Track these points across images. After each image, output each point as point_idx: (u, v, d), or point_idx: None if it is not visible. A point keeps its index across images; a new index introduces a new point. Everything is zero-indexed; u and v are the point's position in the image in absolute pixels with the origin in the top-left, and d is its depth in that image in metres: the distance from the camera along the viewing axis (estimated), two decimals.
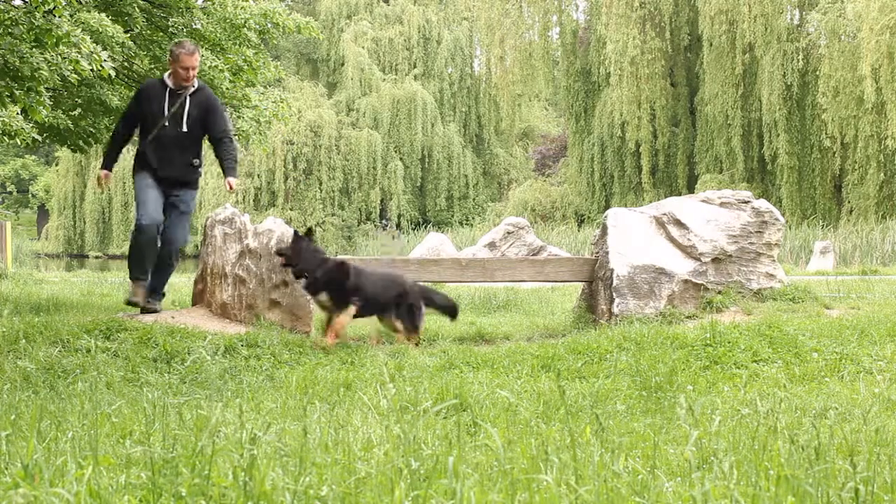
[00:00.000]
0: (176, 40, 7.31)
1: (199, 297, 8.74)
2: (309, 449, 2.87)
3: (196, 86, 7.31)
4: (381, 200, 44.01)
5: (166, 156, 7.25)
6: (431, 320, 9.07)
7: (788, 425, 3.85)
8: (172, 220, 7.43)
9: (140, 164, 7.36)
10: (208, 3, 9.62)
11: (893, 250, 24.05)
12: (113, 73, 7.43)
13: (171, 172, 7.32)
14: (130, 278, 7.57)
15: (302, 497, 2.47)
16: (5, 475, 2.61)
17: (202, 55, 9.56)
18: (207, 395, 5.47)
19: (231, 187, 7.39)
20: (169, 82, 7.26)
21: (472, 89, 46.51)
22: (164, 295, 7.84)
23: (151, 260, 7.32)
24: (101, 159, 7.46)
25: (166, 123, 7.21)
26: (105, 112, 10.46)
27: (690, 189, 32.96)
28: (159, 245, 7.35)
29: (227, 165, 7.45)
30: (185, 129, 7.25)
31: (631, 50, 33.57)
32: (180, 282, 15.28)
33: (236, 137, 11.01)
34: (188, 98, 7.24)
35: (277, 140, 39.83)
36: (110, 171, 7.49)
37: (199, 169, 7.62)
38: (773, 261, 8.85)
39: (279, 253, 7.60)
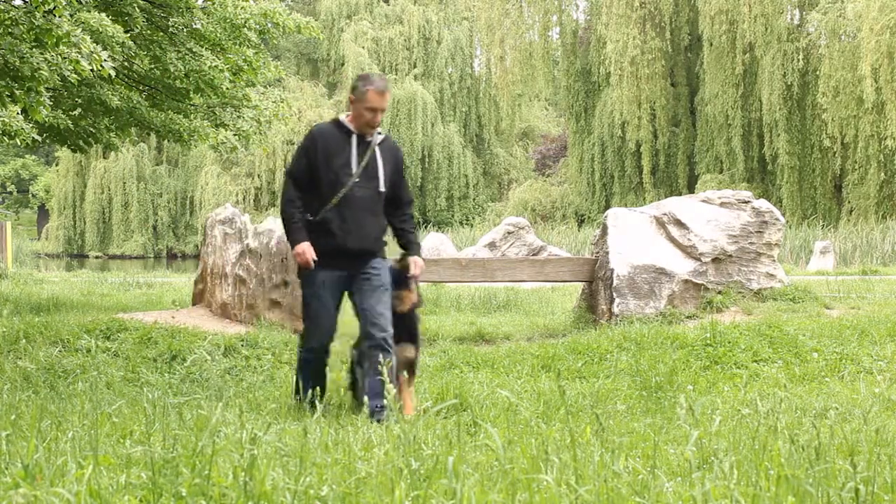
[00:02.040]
0: (362, 73, 5.41)
1: (200, 297, 8.75)
2: (309, 449, 2.87)
3: (381, 133, 5.52)
4: None
5: (358, 223, 5.36)
6: (431, 320, 9.07)
7: (789, 425, 3.85)
8: (373, 300, 5.35)
9: (315, 243, 5.36)
10: (208, 3, 9.61)
11: (894, 250, 24.03)
12: (113, 73, 7.40)
13: (363, 244, 5.38)
14: (295, 395, 5.50)
15: (302, 497, 2.47)
16: (6, 475, 2.61)
17: (204, 56, 9.54)
18: (208, 395, 5.47)
19: (418, 268, 5.57)
20: (351, 126, 5.42)
21: (472, 89, 46.51)
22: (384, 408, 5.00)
23: (323, 381, 5.40)
24: (290, 235, 5.44)
25: (357, 180, 5.34)
26: (105, 112, 10.46)
27: (691, 189, 32.94)
28: (365, 342, 5.36)
29: (413, 239, 5.67)
30: (381, 188, 5.41)
31: (631, 50, 33.56)
32: (180, 282, 15.29)
33: (237, 138, 11.00)
34: (377, 147, 5.43)
35: (278, 140, 39.85)
36: (308, 241, 5.39)
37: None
38: (774, 261, 8.86)
39: (404, 278, 5.57)
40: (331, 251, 5.32)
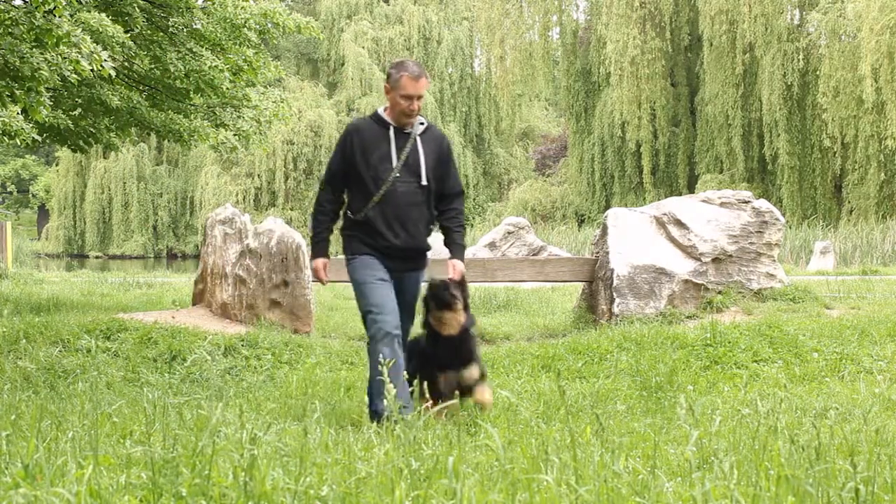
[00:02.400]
0: (396, 60, 5.09)
1: (200, 297, 8.75)
2: (309, 449, 2.87)
3: (424, 122, 5.20)
4: None
5: (402, 222, 5.06)
6: None
7: (789, 425, 3.85)
8: (401, 313, 5.08)
9: (361, 240, 5.10)
10: (208, 3, 9.62)
11: (894, 250, 24.02)
12: (113, 73, 7.41)
13: (411, 241, 5.10)
14: (372, 418, 4.82)
15: (302, 497, 2.47)
16: (6, 475, 2.61)
17: (204, 56, 9.53)
18: (208, 395, 5.47)
19: (456, 273, 5.16)
20: (388, 118, 5.11)
21: (472, 89, 46.52)
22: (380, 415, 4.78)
23: (401, 380, 4.69)
24: (311, 246, 5.27)
25: (397, 175, 5.03)
26: (105, 112, 10.46)
27: (691, 189, 32.94)
28: None
29: (456, 240, 5.28)
30: (423, 181, 5.08)
31: (631, 50, 33.55)
32: (180, 282, 15.29)
33: (237, 138, 10.98)
34: (418, 139, 5.12)
35: (278, 140, 39.85)
36: (328, 257, 5.27)
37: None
38: (774, 261, 8.86)
39: (444, 298, 5.02)
40: (376, 248, 5.07)
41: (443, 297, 4.99)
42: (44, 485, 2.46)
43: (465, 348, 5.02)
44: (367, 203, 5.04)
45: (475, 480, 2.68)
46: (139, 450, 2.84)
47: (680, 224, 8.70)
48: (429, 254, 5.30)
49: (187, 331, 7.40)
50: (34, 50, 6.92)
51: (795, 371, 6.51)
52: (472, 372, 4.98)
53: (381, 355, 4.66)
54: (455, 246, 5.26)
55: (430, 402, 4.39)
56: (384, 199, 5.02)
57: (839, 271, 17.12)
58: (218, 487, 2.52)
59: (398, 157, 5.04)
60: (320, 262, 5.17)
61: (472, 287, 11.29)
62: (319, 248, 5.19)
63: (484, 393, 5.00)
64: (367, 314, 4.98)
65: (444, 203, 5.26)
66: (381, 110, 5.17)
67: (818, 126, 30.24)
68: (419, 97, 5.05)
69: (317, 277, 5.20)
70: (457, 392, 4.59)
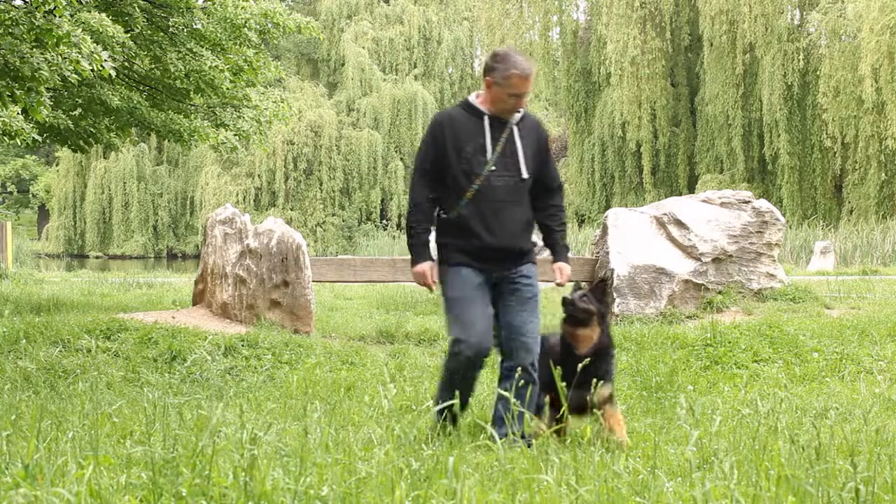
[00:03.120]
0: (501, 51, 4.72)
1: (200, 297, 8.75)
2: (309, 449, 2.87)
3: (519, 111, 4.70)
4: (382, 200, 44.02)
5: (500, 218, 4.62)
6: (431, 321, 9.06)
7: (789, 425, 3.85)
8: (520, 315, 4.69)
9: (454, 245, 4.65)
10: (209, 3, 9.63)
11: (894, 250, 24.01)
12: (113, 73, 7.41)
13: (509, 241, 4.64)
14: (438, 414, 4.44)
15: (302, 497, 2.47)
16: (6, 475, 2.61)
17: (205, 56, 9.53)
18: (208, 395, 5.47)
19: (564, 276, 4.85)
20: (483, 108, 4.65)
21: (472, 89, 46.42)
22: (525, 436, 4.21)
23: (469, 395, 4.61)
24: (412, 250, 4.70)
25: (493, 168, 4.60)
26: (105, 112, 10.46)
27: (691, 189, 32.92)
28: (506, 362, 4.65)
29: (559, 240, 4.87)
30: (523, 174, 4.64)
31: (631, 50, 33.55)
32: (180, 282, 15.28)
33: (237, 138, 10.98)
34: (515, 128, 4.67)
35: (278, 140, 39.85)
36: (433, 260, 4.70)
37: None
38: (774, 261, 8.86)
39: (576, 314, 4.80)
40: (471, 251, 4.59)
41: (574, 313, 4.71)
42: (44, 485, 2.46)
43: (600, 369, 4.55)
44: (460, 200, 4.60)
45: (475, 480, 2.68)
46: (139, 450, 2.84)
47: (680, 224, 8.70)
48: (534, 250, 4.84)
49: (187, 331, 7.40)
50: (34, 50, 6.92)
51: (795, 371, 6.51)
52: (602, 391, 4.47)
53: (457, 369, 4.46)
54: (559, 247, 4.85)
55: (547, 416, 4.30)
56: (478, 195, 4.59)
57: (839, 271, 17.11)
58: (218, 487, 2.52)
59: (493, 149, 4.61)
60: (426, 266, 4.65)
61: None
62: (421, 250, 4.67)
63: (617, 419, 4.50)
64: (451, 321, 4.60)
65: (543, 198, 4.82)
66: (472, 98, 4.73)
67: (818, 126, 30.25)
68: (527, 94, 4.62)
69: (423, 283, 4.67)
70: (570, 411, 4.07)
